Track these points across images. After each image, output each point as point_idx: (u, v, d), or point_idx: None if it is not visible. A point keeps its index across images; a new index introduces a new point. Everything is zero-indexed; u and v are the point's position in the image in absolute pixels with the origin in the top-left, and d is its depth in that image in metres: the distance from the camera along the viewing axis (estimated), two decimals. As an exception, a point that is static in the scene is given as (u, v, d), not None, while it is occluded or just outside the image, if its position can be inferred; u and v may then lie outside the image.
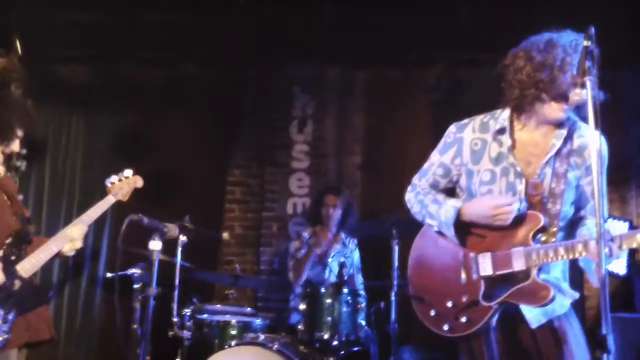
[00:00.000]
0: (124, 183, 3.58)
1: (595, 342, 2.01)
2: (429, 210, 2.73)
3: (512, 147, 2.60)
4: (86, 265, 6.19)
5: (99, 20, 5.80)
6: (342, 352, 4.31)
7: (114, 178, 3.59)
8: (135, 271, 4.44)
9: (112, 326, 3.80)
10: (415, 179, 2.87)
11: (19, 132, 3.20)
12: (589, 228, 2.50)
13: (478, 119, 2.73)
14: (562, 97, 2.45)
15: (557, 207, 2.49)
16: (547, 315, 2.52)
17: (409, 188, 2.89)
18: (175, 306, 4.29)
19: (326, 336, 4.19)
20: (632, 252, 5.32)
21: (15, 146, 3.21)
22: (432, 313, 2.68)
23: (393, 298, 3.99)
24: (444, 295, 2.64)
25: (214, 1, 5.64)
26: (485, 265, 2.54)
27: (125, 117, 6.32)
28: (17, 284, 2.94)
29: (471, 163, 2.67)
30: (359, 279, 5.42)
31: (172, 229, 3.26)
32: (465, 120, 2.76)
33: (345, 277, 4.79)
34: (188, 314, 4.34)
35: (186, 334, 4.26)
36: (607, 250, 2.24)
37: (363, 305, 4.37)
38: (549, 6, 4.92)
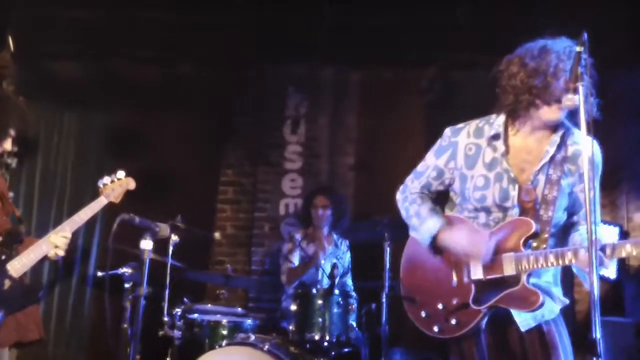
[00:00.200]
0: (116, 185, 3.56)
1: (585, 347, 2.02)
2: (412, 222, 2.76)
3: (506, 153, 2.61)
4: (77, 264, 6.16)
5: (97, 19, 5.78)
6: (333, 353, 4.32)
7: (106, 179, 3.57)
8: (126, 270, 4.42)
9: (102, 325, 3.79)
10: (408, 180, 2.88)
11: (12, 131, 3.18)
12: (581, 234, 2.51)
13: (473, 124, 2.73)
14: (557, 102, 2.46)
15: (549, 214, 2.50)
16: (536, 319, 2.53)
17: (401, 188, 2.89)
18: (166, 306, 4.29)
19: (317, 337, 4.19)
20: (622, 257, 5.34)
21: (8, 145, 3.20)
22: (423, 314, 2.69)
23: (384, 300, 4.00)
24: (434, 296, 2.65)
25: (207, 1, 5.64)
26: (477, 269, 2.55)
27: (117, 116, 6.30)
28: (7, 283, 2.93)
29: (465, 168, 2.68)
30: (350, 281, 5.42)
31: (163, 228, 3.26)
32: (461, 125, 2.76)
33: (337, 279, 4.79)
34: (179, 313, 4.33)
35: (177, 333, 4.26)
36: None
37: (354, 306, 4.37)
38: (547, 7, 4.93)
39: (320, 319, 4.22)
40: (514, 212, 2.55)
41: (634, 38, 5.37)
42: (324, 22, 5.75)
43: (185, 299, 4.50)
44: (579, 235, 2.52)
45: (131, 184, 3.63)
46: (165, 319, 4.28)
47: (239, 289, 6.03)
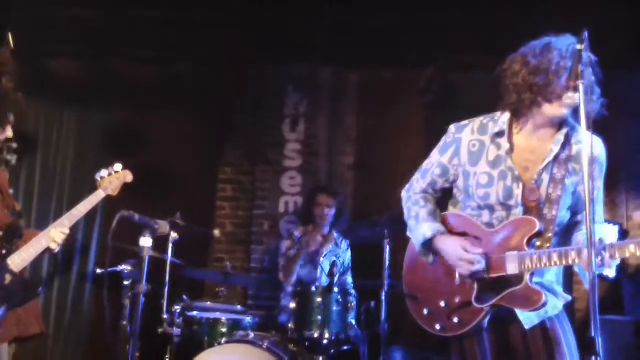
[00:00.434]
0: (113, 177, 3.56)
1: (584, 345, 2.02)
2: (410, 223, 2.77)
3: (511, 151, 2.60)
4: (76, 260, 6.17)
5: (96, 18, 5.78)
6: (332, 351, 4.32)
7: (103, 172, 3.57)
8: (125, 268, 4.41)
9: (101, 322, 3.78)
10: (414, 179, 2.87)
11: (11, 118, 3.18)
12: (584, 234, 2.50)
13: (478, 121, 2.72)
14: (558, 99, 2.45)
15: (553, 213, 2.49)
16: (540, 316, 2.52)
17: (406, 187, 2.89)
18: (165, 303, 4.30)
19: (316, 335, 4.19)
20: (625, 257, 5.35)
21: (9, 132, 3.20)
22: (425, 312, 2.68)
23: (383, 298, 4.00)
24: (437, 294, 2.65)
25: (206, 0, 5.63)
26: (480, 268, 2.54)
27: (117, 114, 6.30)
28: (8, 278, 2.93)
29: (469, 164, 2.67)
30: (349, 279, 5.43)
31: (163, 225, 3.26)
32: (465, 122, 2.76)
33: (336, 277, 4.80)
34: (178, 311, 4.33)
35: (176, 331, 4.25)
36: (599, 259, 2.26)
37: (353, 304, 4.37)
38: (547, 7, 4.92)
39: (319, 317, 4.22)
40: (518, 211, 2.54)
41: (634, 38, 5.37)
42: (324, 22, 5.75)
43: (184, 296, 4.50)
44: (582, 235, 2.50)
45: (128, 177, 3.63)
46: (165, 316, 4.28)
47: (238, 286, 6.04)
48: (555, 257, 2.39)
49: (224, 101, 6.46)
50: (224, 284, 4.78)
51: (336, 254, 5.36)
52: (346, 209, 5.70)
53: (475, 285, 2.54)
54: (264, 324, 4.85)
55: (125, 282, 4.39)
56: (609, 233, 2.51)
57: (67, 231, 3.21)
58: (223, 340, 4.05)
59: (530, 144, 2.61)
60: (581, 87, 2.17)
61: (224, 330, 4.31)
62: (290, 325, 4.29)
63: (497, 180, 2.58)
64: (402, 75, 6.37)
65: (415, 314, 2.72)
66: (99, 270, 4.98)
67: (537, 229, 2.45)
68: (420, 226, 2.68)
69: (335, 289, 4.33)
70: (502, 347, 2.57)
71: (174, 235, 4.29)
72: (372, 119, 6.41)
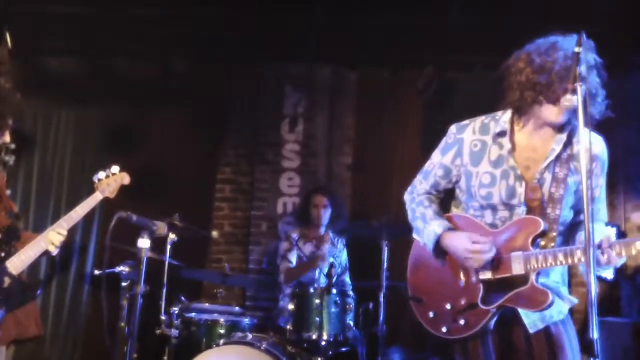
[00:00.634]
0: (111, 179, 3.55)
1: (583, 347, 2.02)
2: (416, 224, 2.75)
3: (512, 150, 2.60)
4: (74, 261, 6.16)
5: (94, 16, 5.76)
6: (330, 352, 4.31)
7: (101, 174, 3.55)
8: (123, 269, 4.40)
9: (99, 323, 3.78)
10: (416, 180, 2.86)
11: (10, 121, 3.17)
12: None
13: (479, 120, 2.72)
14: (558, 101, 2.45)
15: (556, 212, 2.48)
16: (545, 321, 2.51)
17: (409, 189, 2.88)
18: (163, 304, 4.28)
19: (314, 336, 4.19)
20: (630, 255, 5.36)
21: (7, 137, 3.19)
22: (431, 314, 2.67)
23: (381, 299, 4.00)
24: (442, 297, 2.64)
25: (205, 0, 5.63)
26: (485, 269, 2.54)
27: (115, 114, 6.29)
28: (7, 280, 2.92)
29: (470, 164, 2.66)
30: (348, 279, 5.42)
31: (161, 226, 3.25)
32: (466, 121, 2.75)
33: (334, 278, 4.79)
34: (176, 312, 4.32)
35: (174, 332, 4.24)
36: (605, 257, 2.25)
37: (352, 305, 4.37)
38: (547, 7, 4.92)
39: (317, 318, 4.22)
40: (521, 211, 2.53)
41: (634, 38, 5.37)
42: (322, 22, 5.75)
43: (182, 297, 4.49)
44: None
45: (125, 179, 3.61)
46: (163, 317, 4.27)
47: (236, 287, 6.02)
48: (560, 256, 2.38)
49: (222, 101, 6.45)
50: (222, 285, 4.77)
51: (333, 254, 5.35)
52: (344, 210, 5.68)
53: (481, 287, 2.54)
54: (262, 325, 4.85)
55: (123, 283, 4.38)
56: (608, 234, 2.50)
57: (65, 233, 3.20)
58: (221, 341, 4.04)
59: (532, 143, 2.60)
60: (579, 90, 2.17)
61: (222, 331, 4.30)
62: (288, 326, 4.29)
63: (499, 179, 2.58)
64: (400, 75, 6.38)
65: (421, 316, 2.71)
66: (96, 271, 4.99)
67: (541, 229, 2.45)
68: (429, 224, 2.67)
69: (334, 290, 4.33)
70: (505, 350, 2.56)
71: (172, 236, 4.28)
72: (371, 119, 6.41)
